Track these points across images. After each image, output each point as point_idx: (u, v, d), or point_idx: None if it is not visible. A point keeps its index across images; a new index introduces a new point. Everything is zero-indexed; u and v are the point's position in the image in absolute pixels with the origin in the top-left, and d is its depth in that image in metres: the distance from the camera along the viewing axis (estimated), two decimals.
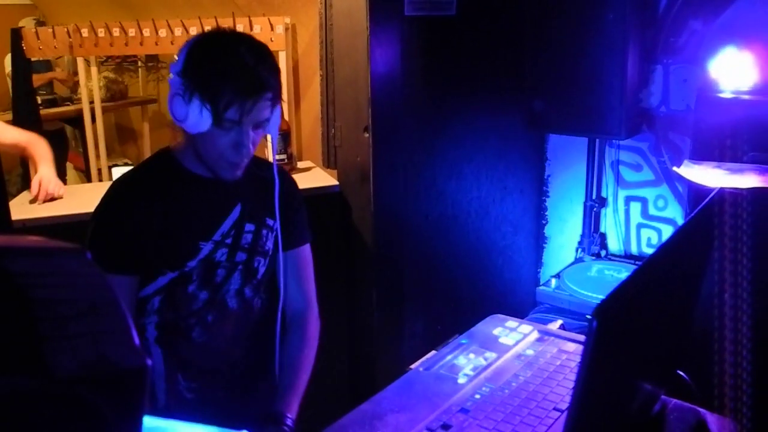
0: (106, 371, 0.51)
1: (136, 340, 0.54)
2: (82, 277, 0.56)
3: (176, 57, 1.45)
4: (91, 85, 4.02)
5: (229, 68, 1.40)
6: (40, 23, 4.36)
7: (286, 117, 3.08)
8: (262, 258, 1.62)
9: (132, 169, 1.59)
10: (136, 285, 1.49)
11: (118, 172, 2.48)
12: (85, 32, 3.57)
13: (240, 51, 1.41)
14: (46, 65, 5.19)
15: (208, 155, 1.48)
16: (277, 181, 1.58)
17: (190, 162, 1.52)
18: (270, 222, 1.61)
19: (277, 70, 1.46)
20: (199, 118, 1.39)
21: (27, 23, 4.33)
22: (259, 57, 1.43)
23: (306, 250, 1.72)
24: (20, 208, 2.30)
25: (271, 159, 1.66)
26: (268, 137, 1.75)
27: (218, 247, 1.54)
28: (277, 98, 1.46)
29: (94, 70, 3.90)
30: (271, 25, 3.36)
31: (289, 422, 1.48)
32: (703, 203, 1.11)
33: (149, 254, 1.47)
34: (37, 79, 4.82)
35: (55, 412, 0.49)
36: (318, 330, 1.73)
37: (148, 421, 0.75)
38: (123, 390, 0.52)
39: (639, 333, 0.95)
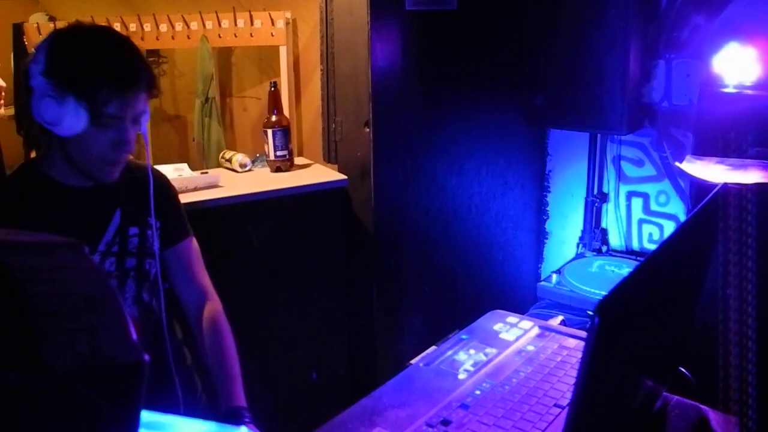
0: (102, 366, 0.50)
1: (133, 335, 0.53)
2: (78, 272, 0.55)
3: (33, 57, 1.36)
4: None
5: (104, 62, 1.35)
6: (51, 18, 4.33)
7: (287, 112, 3.07)
8: (152, 259, 1.58)
9: None
10: None
11: None
12: None
13: (109, 44, 1.37)
14: None
15: (84, 159, 1.40)
16: (151, 180, 1.52)
17: (60, 172, 1.44)
18: (152, 221, 1.57)
19: (148, 61, 1.45)
20: (75, 119, 1.33)
21: (39, 18, 4.30)
22: (129, 49, 1.40)
23: (189, 243, 1.66)
24: None
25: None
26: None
27: (105, 257, 1.49)
28: (151, 89, 1.42)
29: None
30: (271, 19, 3.35)
31: (246, 413, 1.43)
32: (707, 199, 1.10)
33: None
34: None
35: (50, 407, 0.48)
36: (224, 317, 1.64)
37: (146, 416, 0.74)
38: (119, 385, 0.51)
39: (641, 329, 0.94)
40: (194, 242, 1.68)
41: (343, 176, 2.56)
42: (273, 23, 3.36)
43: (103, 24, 3.55)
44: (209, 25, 3.56)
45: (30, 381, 0.48)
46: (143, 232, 1.56)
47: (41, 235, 0.57)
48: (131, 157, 1.54)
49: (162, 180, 1.64)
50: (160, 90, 1.47)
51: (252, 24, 3.41)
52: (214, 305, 1.64)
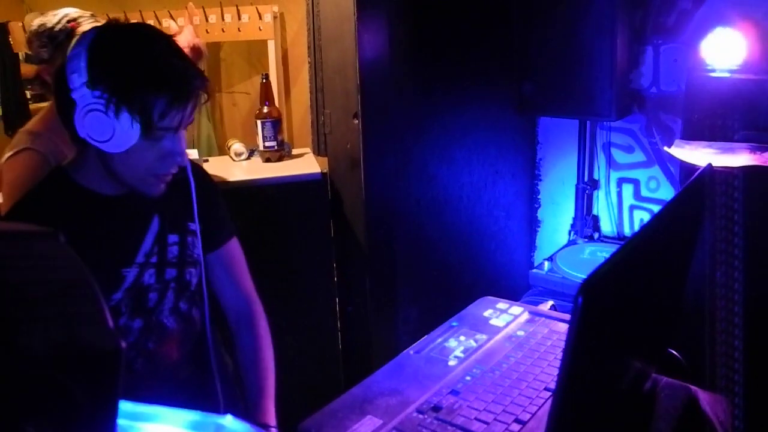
0: (78, 353, 0.50)
1: (110, 322, 0.53)
2: (53, 260, 0.55)
3: (68, 62, 1.22)
4: None
5: (159, 71, 1.22)
6: None
7: (277, 104, 3.07)
8: (193, 268, 1.48)
9: (25, 197, 1.35)
10: None
11: None
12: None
13: (159, 50, 1.24)
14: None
15: (130, 172, 1.29)
16: (192, 181, 1.42)
17: (93, 181, 1.32)
18: (192, 227, 1.46)
19: (198, 66, 1.35)
20: (128, 134, 1.21)
21: (34, 18, 4.27)
22: (179, 53, 1.28)
23: (233, 245, 1.56)
24: None
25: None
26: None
27: (144, 269, 1.38)
28: (204, 95, 1.30)
29: None
30: (259, 14, 3.35)
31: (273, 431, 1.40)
32: (691, 179, 1.10)
33: None
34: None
35: (27, 395, 0.48)
36: (266, 324, 1.58)
37: (129, 406, 0.74)
38: (96, 372, 0.51)
39: (626, 310, 0.94)
40: (237, 243, 1.57)
41: (318, 170, 2.55)
42: (260, 17, 3.35)
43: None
44: (196, 20, 3.54)
45: (6, 368, 0.47)
46: (183, 239, 1.44)
47: (16, 224, 0.56)
48: None
49: (203, 178, 1.51)
50: (210, 93, 1.33)
51: (239, 19, 3.41)
52: (256, 312, 1.57)
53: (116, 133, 1.21)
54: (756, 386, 1.41)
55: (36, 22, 1.98)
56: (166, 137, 1.27)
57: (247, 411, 1.45)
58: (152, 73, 1.22)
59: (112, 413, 0.52)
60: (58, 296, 0.53)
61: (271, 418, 1.43)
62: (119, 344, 0.52)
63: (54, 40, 1.93)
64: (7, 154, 1.85)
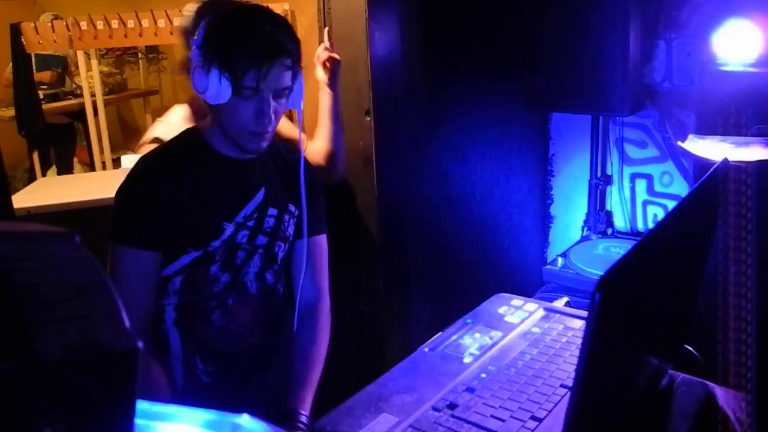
0: (95, 355, 0.50)
1: (126, 323, 0.53)
2: (69, 261, 0.55)
3: (195, 32, 1.44)
4: (92, 79, 4.01)
5: (245, 35, 1.39)
6: (56, 17, 4.32)
7: None
8: (283, 243, 1.61)
9: (159, 147, 1.57)
10: (160, 262, 1.47)
11: (127, 159, 2.48)
12: (84, 25, 3.57)
13: (256, 18, 1.41)
14: (57, 60, 5.14)
15: (231, 127, 1.46)
16: (302, 165, 1.57)
17: (217, 141, 1.51)
18: (292, 208, 1.61)
19: (296, 38, 1.45)
20: (218, 88, 1.39)
21: (47, 18, 4.30)
22: (276, 23, 1.42)
23: (322, 240, 1.71)
24: (26, 197, 2.30)
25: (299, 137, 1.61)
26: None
27: (240, 228, 1.53)
28: (296, 65, 1.44)
29: (94, 63, 3.89)
30: None
31: (303, 419, 1.44)
32: (707, 174, 1.09)
33: (175, 231, 1.45)
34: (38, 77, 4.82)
35: (44, 396, 0.48)
36: (329, 322, 1.70)
37: (145, 405, 0.74)
38: (113, 374, 0.51)
39: (643, 306, 0.94)
40: (324, 241, 1.71)
41: None
42: None
43: (101, 21, 3.55)
44: None
45: (23, 370, 0.47)
46: (281, 215, 1.59)
47: (30, 224, 0.56)
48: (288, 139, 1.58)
49: (314, 171, 1.68)
50: (302, 66, 1.47)
51: None
52: (324, 309, 1.69)
53: (209, 86, 1.39)
54: (767, 382, 1.40)
55: None
56: (255, 97, 1.41)
57: (284, 396, 1.51)
58: (238, 37, 1.38)
59: (130, 413, 0.52)
60: (73, 297, 0.52)
61: (306, 407, 1.48)
62: (136, 345, 0.52)
63: None
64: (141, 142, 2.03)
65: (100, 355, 0.50)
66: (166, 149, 1.55)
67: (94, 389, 0.49)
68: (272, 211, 1.57)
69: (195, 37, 1.42)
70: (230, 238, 1.52)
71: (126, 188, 1.47)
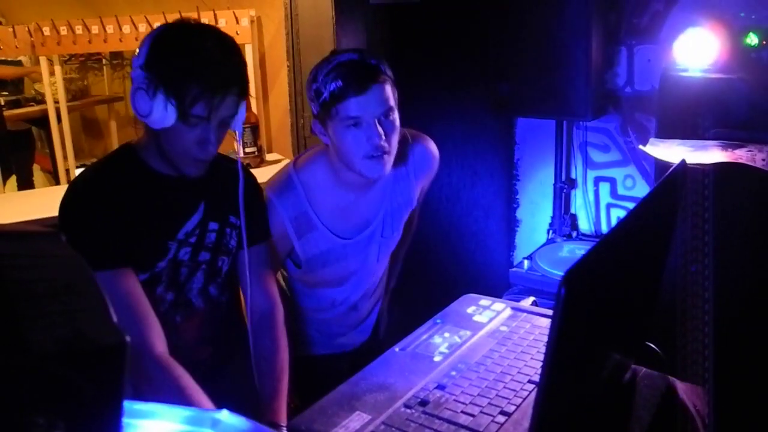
0: (84, 348, 0.52)
1: (114, 318, 0.55)
2: (56, 259, 0.57)
3: (138, 50, 1.38)
4: (56, 85, 3.97)
5: (196, 63, 1.34)
6: None
7: (255, 110, 3.08)
8: (226, 257, 1.58)
9: (93, 167, 1.50)
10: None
11: None
12: (46, 31, 3.53)
13: (207, 45, 1.36)
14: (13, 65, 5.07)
15: (172, 151, 1.42)
16: (241, 177, 1.52)
17: (154, 159, 1.46)
18: (233, 220, 1.57)
19: (244, 65, 1.43)
20: (163, 114, 1.34)
21: None
22: (226, 51, 1.38)
23: (266, 246, 1.64)
24: None
25: (238, 154, 1.61)
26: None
27: (182, 246, 1.49)
28: (243, 94, 1.42)
29: (57, 69, 3.85)
30: (236, 18, 3.35)
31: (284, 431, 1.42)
32: (666, 175, 1.14)
33: (120, 254, 1.39)
34: None
35: (35, 389, 0.50)
36: (285, 329, 1.63)
37: (125, 404, 0.75)
38: (102, 367, 0.53)
39: (607, 301, 0.97)
40: (268, 246, 1.65)
41: None
42: (237, 22, 3.35)
43: (64, 26, 3.52)
44: None
45: (14, 362, 0.49)
46: (222, 229, 1.55)
47: (18, 225, 0.58)
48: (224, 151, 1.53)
49: (252, 179, 1.64)
50: (248, 93, 1.45)
51: (216, 23, 3.40)
52: (279, 315, 1.62)
53: (153, 111, 1.34)
54: (724, 376, 1.45)
55: None
56: (200, 125, 1.37)
57: (258, 410, 1.48)
58: (189, 64, 1.34)
59: (119, 405, 0.54)
60: (61, 293, 0.54)
61: (283, 418, 1.45)
62: (123, 339, 0.53)
63: None
64: None
65: (89, 349, 0.52)
66: (99, 170, 1.47)
67: (83, 381, 0.51)
68: (213, 225, 1.54)
69: (137, 57, 1.37)
70: (174, 257, 1.49)
71: (65, 217, 1.40)
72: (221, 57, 1.36)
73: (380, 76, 1.58)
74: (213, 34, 1.40)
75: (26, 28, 3.58)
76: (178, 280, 1.52)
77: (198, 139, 1.39)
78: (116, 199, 1.40)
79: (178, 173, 1.46)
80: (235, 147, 2.71)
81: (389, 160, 1.61)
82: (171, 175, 1.47)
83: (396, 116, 1.62)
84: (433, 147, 1.91)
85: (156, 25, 3.55)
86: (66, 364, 0.51)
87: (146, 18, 3.58)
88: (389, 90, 1.60)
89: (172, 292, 1.51)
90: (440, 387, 1.28)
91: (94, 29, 3.62)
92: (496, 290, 3.04)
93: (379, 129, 1.57)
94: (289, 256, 1.78)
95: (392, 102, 1.60)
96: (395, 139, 1.62)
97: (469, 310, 1.61)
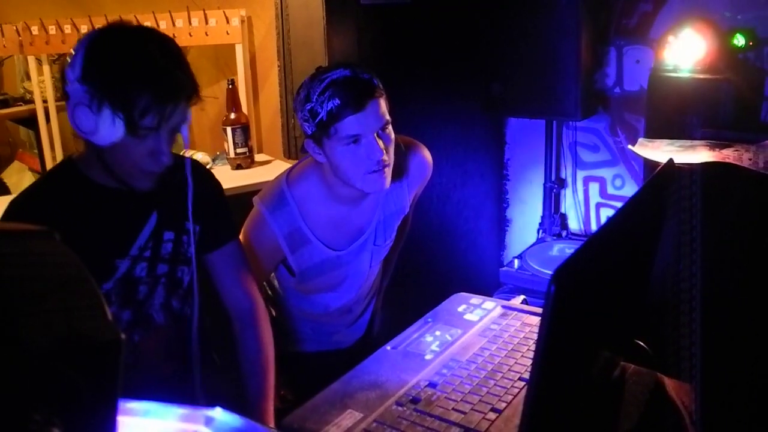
0: (80, 345, 0.52)
1: (109, 315, 0.55)
2: (51, 257, 0.57)
3: (69, 59, 1.28)
4: (44, 84, 3.96)
5: (142, 71, 1.25)
6: None
7: (245, 110, 3.08)
8: (185, 266, 1.51)
9: (32, 185, 1.42)
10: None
11: None
12: (35, 30, 3.52)
13: (149, 50, 1.27)
14: None
15: (119, 166, 1.34)
16: (190, 182, 1.46)
17: (97, 173, 1.37)
18: (189, 226, 1.48)
19: (189, 68, 1.33)
20: (111, 130, 1.25)
21: None
22: (170, 55, 1.29)
23: (234, 245, 1.57)
24: None
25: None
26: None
27: (136, 262, 1.42)
28: (194, 98, 1.33)
29: (46, 68, 3.84)
30: (226, 17, 3.35)
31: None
32: (654, 174, 1.15)
33: None
34: None
35: (32, 384, 0.50)
36: (269, 324, 1.59)
37: (122, 403, 0.76)
38: (98, 363, 0.54)
39: (596, 299, 0.98)
40: (238, 244, 1.59)
41: None
42: (228, 21, 3.35)
43: (53, 26, 3.51)
44: (163, 24, 3.53)
45: (11, 358, 0.49)
46: (179, 238, 1.47)
47: (11, 224, 0.58)
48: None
49: (205, 179, 1.55)
50: (201, 97, 1.35)
51: (207, 23, 3.40)
52: (260, 312, 1.57)
53: (99, 127, 1.25)
54: (712, 373, 1.47)
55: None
56: (150, 136, 1.29)
57: (246, 410, 1.44)
58: (135, 72, 1.25)
59: (114, 401, 0.54)
60: (56, 291, 0.55)
61: (270, 419, 1.42)
62: (119, 335, 0.54)
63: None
64: None
65: (84, 346, 0.53)
66: (39, 189, 1.40)
67: (79, 377, 0.52)
68: (168, 235, 1.46)
69: (71, 68, 1.26)
70: (126, 275, 1.41)
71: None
72: (167, 62, 1.28)
73: (375, 90, 1.56)
74: (153, 37, 1.32)
75: (14, 28, 3.57)
76: (136, 298, 1.45)
77: (149, 151, 1.31)
78: (58, 218, 1.29)
79: (126, 186, 1.39)
80: (226, 146, 2.72)
81: (389, 173, 1.59)
82: (117, 188, 1.38)
83: (391, 128, 1.60)
84: (427, 155, 1.88)
85: (146, 24, 3.55)
86: (62, 362, 0.52)
87: (136, 18, 3.57)
88: (384, 103, 1.58)
89: (128, 311, 1.45)
90: (432, 385, 1.29)
91: (84, 28, 3.61)
92: (486, 289, 3.05)
93: (380, 144, 1.54)
94: (282, 263, 1.75)
95: (388, 115, 1.59)
96: (393, 150, 1.61)
97: (460, 308, 1.62)
